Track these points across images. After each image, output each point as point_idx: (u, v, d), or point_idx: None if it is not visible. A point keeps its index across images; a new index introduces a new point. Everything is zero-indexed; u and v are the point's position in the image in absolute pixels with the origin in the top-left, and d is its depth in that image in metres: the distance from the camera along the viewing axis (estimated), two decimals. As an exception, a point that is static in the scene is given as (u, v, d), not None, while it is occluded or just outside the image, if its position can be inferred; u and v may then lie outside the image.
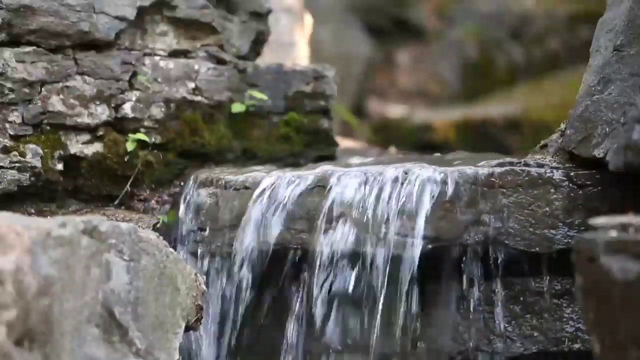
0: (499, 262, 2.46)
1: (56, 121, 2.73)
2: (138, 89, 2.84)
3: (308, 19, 4.71)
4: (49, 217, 2.61)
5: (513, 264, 2.46)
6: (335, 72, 3.10)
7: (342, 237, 2.47)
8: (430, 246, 2.44)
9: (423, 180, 2.48)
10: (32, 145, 2.69)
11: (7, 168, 2.65)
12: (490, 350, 2.46)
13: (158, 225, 2.71)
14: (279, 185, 2.56)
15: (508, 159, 2.59)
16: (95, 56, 2.78)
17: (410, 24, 7.31)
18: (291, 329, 2.54)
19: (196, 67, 2.93)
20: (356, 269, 2.46)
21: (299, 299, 2.53)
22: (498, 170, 2.48)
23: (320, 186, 2.54)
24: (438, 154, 3.21)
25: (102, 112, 2.79)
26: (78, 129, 2.77)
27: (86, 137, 2.79)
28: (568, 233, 2.44)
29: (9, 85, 2.67)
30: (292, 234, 2.52)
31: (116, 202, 2.83)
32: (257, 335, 2.58)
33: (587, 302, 1.85)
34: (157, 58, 2.89)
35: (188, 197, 2.71)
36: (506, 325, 2.47)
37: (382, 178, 2.50)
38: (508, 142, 5.46)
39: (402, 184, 2.49)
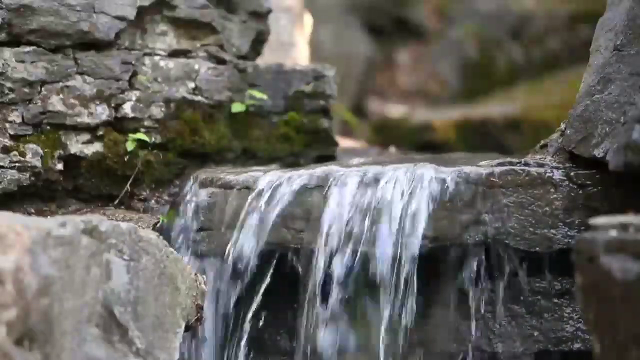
0: (499, 261, 2.46)
1: (56, 121, 2.73)
2: (138, 88, 2.84)
3: (308, 19, 4.71)
4: (49, 217, 2.61)
5: (513, 263, 2.46)
6: (335, 72, 3.10)
7: (341, 236, 2.47)
8: (430, 246, 2.44)
9: (423, 179, 2.48)
10: (32, 145, 2.69)
11: (7, 168, 2.65)
12: (490, 350, 2.46)
13: (158, 225, 2.71)
14: (278, 185, 2.56)
15: (508, 159, 2.59)
16: (95, 56, 2.78)
17: (410, 24, 7.32)
18: (291, 329, 2.55)
19: (196, 66, 2.93)
20: (356, 269, 2.46)
21: (298, 299, 2.53)
22: (498, 170, 2.48)
23: (321, 186, 2.54)
24: (438, 154, 3.21)
25: (102, 112, 2.79)
26: (78, 128, 2.77)
27: (86, 136, 2.79)
28: (568, 233, 2.44)
29: (9, 85, 2.67)
30: (292, 233, 2.52)
31: (116, 202, 2.83)
32: (257, 335, 2.58)
33: (587, 302, 1.85)
34: (157, 58, 2.89)
35: (188, 197, 2.71)
36: (506, 325, 2.47)
37: (382, 178, 2.50)
38: (508, 142, 5.45)
39: (402, 183, 2.49)
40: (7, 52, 2.68)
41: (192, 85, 2.92)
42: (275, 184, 2.57)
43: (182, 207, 2.72)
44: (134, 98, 2.84)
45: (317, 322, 2.51)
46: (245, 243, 2.54)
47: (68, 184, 2.80)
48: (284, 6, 4.32)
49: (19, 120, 2.69)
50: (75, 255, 1.95)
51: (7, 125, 2.68)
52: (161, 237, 2.25)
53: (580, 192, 2.47)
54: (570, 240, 2.41)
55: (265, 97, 3.01)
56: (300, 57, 4.48)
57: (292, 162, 3.02)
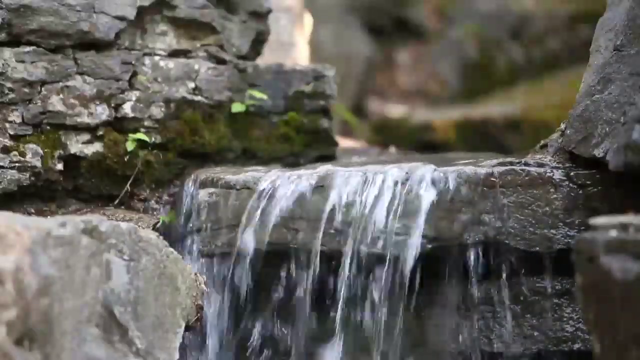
0: (499, 261, 2.46)
1: (56, 121, 2.73)
2: (138, 88, 2.84)
3: (308, 19, 4.71)
4: (49, 217, 2.61)
5: (513, 263, 2.46)
6: (335, 72, 3.10)
7: (342, 236, 2.47)
8: (430, 246, 2.44)
9: (423, 179, 2.48)
10: (32, 145, 2.69)
11: (7, 168, 2.65)
12: (490, 350, 2.46)
13: (158, 225, 2.71)
14: (279, 185, 2.56)
15: (508, 159, 2.59)
16: (95, 56, 2.78)
17: (410, 24, 7.32)
18: (291, 329, 2.54)
19: (196, 67, 2.93)
20: (356, 269, 2.46)
21: (298, 299, 2.52)
22: (498, 170, 2.48)
23: (321, 186, 2.54)
24: (438, 154, 3.21)
25: (102, 112, 2.79)
26: (78, 128, 2.77)
27: (86, 137, 2.79)
28: (568, 233, 2.44)
29: (9, 85, 2.67)
30: (292, 233, 2.52)
31: (116, 202, 2.83)
32: (257, 335, 2.58)
33: (587, 302, 1.85)
34: (157, 58, 2.89)
35: (188, 197, 2.71)
36: (506, 325, 2.46)
37: (382, 178, 2.50)
38: (508, 142, 5.46)
39: (402, 183, 2.49)
40: (7, 52, 2.68)
41: (192, 85, 2.92)
42: (276, 184, 2.57)
43: (182, 207, 2.72)
44: (134, 98, 2.84)
45: (317, 322, 2.51)
46: (245, 243, 2.53)
47: (68, 184, 2.80)
48: (284, 6, 4.32)
49: (19, 120, 2.69)
50: (75, 255, 1.95)
51: (7, 125, 2.68)
52: (161, 237, 2.25)
53: (580, 192, 2.47)
54: (570, 240, 2.41)
55: (265, 97, 3.01)
56: (300, 57, 4.48)
57: (292, 162, 3.02)
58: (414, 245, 2.43)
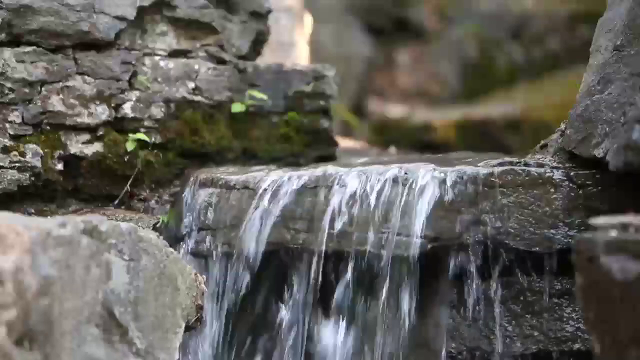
0: (498, 261, 2.46)
1: (56, 121, 2.73)
2: (138, 88, 2.84)
3: (308, 19, 4.72)
4: (49, 217, 2.61)
5: (513, 263, 2.46)
6: (335, 72, 3.09)
7: (342, 237, 2.47)
8: (430, 246, 2.44)
9: (423, 180, 2.48)
10: (32, 145, 2.69)
11: (7, 168, 2.65)
12: (490, 350, 2.46)
13: (158, 225, 2.71)
14: (279, 185, 2.56)
15: (508, 159, 2.59)
16: (95, 56, 2.78)
17: (410, 24, 7.32)
18: (290, 329, 2.55)
19: (196, 67, 2.93)
20: (356, 269, 2.46)
21: (298, 299, 2.52)
22: (498, 170, 2.48)
23: (321, 186, 2.54)
24: (438, 154, 3.21)
25: (102, 112, 2.79)
26: (78, 128, 2.77)
27: (86, 137, 2.79)
28: (568, 233, 2.44)
29: (9, 85, 2.67)
30: (292, 233, 2.52)
31: (116, 202, 2.83)
32: (257, 335, 2.58)
33: (587, 302, 1.85)
34: (157, 58, 2.89)
35: (188, 197, 2.71)
36: (506, 325, 2.47)
37: (382, 178, 2.50)
38: (508, 142, 5.46)
39: (402, 183, 2.49)
40: (7, 52, 2.68)
41: (192, 85, 2.92)
42: (276, 185, 2.57)
43: (181, 208, 2.71)
44: (134, 98, 2.84)
45: (317, 322, 2.51)
46: (246, 243, 2.53)
47: (68, 184, 2.80)
48: (284, 6, 4.32)
49: (19, 120, 2.69)
50: (75, 255, 1.95)
51: (7, 125, 2.68)
52: (161, 237, 2.25)
53: (580, 192, 2.47)
54: (570, 240, 2.40)
55: (265, 97, 3.01)
56: (300, 57, 4.48)
57: (292, 162, 3.02)
58: (414, 245, 2.43)
